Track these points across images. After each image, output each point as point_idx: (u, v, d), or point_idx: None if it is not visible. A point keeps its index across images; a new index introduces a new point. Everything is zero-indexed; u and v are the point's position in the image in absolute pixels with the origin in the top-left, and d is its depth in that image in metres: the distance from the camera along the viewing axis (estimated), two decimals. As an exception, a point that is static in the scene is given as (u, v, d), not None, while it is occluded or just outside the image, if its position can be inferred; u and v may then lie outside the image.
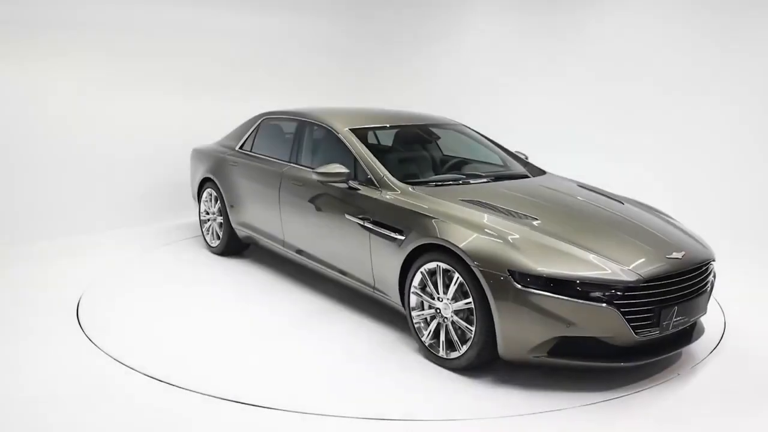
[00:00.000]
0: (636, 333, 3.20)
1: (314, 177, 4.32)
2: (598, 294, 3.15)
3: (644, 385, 3.41)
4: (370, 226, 4.00)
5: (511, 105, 8.10)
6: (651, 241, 3.54)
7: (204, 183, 5.96)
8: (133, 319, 4.27)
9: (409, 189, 4.02)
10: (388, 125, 4.91)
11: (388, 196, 4.01)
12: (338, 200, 4.31)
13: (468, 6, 8.38)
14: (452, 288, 3.48)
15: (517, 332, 3.24)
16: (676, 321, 3.33)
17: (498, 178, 4.46)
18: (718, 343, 4.00)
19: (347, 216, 4.17)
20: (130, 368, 3.54)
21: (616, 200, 4.19)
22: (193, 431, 2.96)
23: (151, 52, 6.89)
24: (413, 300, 3.73)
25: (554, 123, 7.82)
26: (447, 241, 3.46)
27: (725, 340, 4.04)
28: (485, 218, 3.59)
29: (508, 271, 3.22)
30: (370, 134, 4.76)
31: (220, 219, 5.75)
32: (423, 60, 8.76)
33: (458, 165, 4.84)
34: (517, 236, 3.40)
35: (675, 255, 3.41)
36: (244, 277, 5.25)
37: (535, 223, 3.56)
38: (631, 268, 3.24)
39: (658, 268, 3.30)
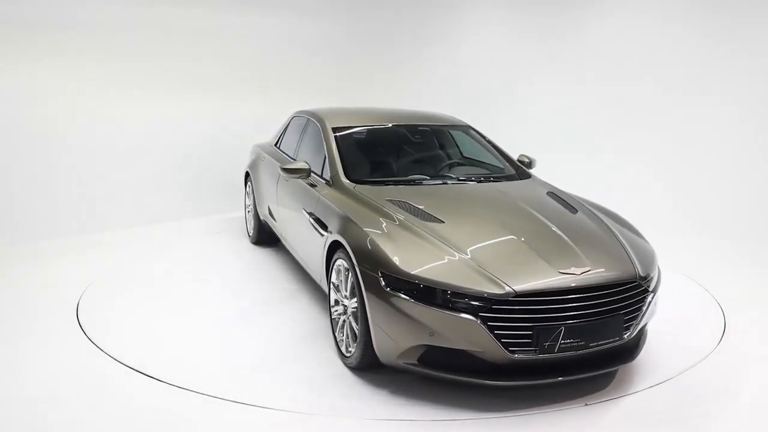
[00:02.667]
0: (509, 350, 2.96)
1: (280, 172, 4.49)
2: (462, 304, 2.96)
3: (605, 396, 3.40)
4: (312, 221, 4.14)
5: (512, 105, 8.11)
6: (557, 254, 3.23)
7: (247, 177, 6.38)
8: (133, 319, 4.27)
9: (351, 187, 4.05)
10: (378, 124, 4.92)
11: (326, 193, 4.12)
12: (301, 195, 4.52)
13: (469, 6, 8.39)
14: (348, 286, 3.49)
15: (388, 336, 3.14)
16: (565, 343, 2.99)
17: (465, 180, 4.37)
18: (718, 343, 4.00)
19: (303, 210, 4.36)
20: (130, 368, 3.54)
21: (570, 208, 3.94)
22: (193, 431, 2.96)
23: (152, 53, 6.89)
24: (332, 296, 3.79)
25: (554, 123, 7.83)
26: (343, 238, 3.51)
27: (725, 340, 4.04)
28: (388, 219, 3.53)
29: (380, 272, 3.15)
30: (358, 132, 4.77)
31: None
32: (425, 60, 8.77)
33: (438, 165, 4.76)
34: (404, 238, 3.31)
35: (572, 271, 3.10)
36: (252, 272, 5.29)
37: (437, 226, 3.43)
38: (505, 280, 3.00)
39: (539, 284, 3.01)
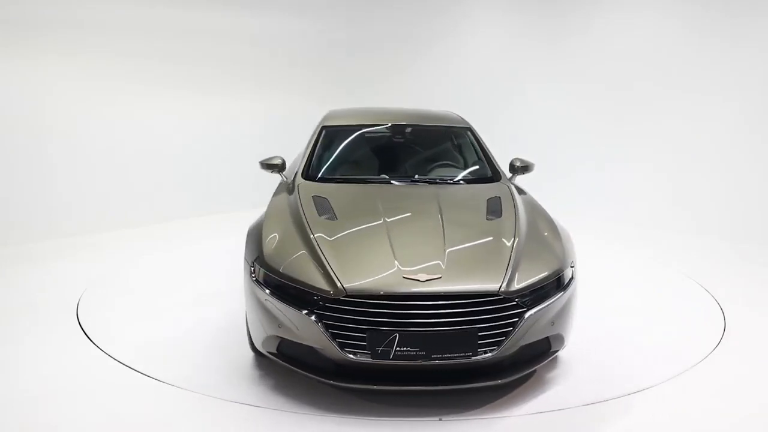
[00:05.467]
0: (343, 350, 2.94)
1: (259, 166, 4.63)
2: (300, 300, 3.04)
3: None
4: None
5: (519, 105, 8.13)
6: (417, 259, 3.13)
7: None
8: (133, 319, 4.27)
9: (298, 183, 4.19)
10: (370, 124, 4.92)
11: (283, 189, 4.24)
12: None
13: (474, 6, 8.40)
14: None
15: (253, 323, 3.30)
16: (401, 351, 2.90)
17: (417, 180, 4.29)
18: (718, 343, 4.00)
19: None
20: (130, 368, 3.54)
21: (496, 214, 3.69)
22: (192, 431, 2.96)
23: (152, 53, 6.89)
24: None
25: (557, 122, 7.84)
26: (249, 230, 3.69)
27: (725, 340, 4.04)
28: (291, 214, 3.67)
29: (252, 262, 3.35)
30: (345, 131, 4.84)
31: None
32: (430, 59, 8.81)
33: (404, 165, 4.70)
34: (287, 233, 3.44)
35: (418, 276, 3.00)
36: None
37: (327, 223, 3.51)
38: (343, 279, 3.00)
39: (373, 286, 2.96)
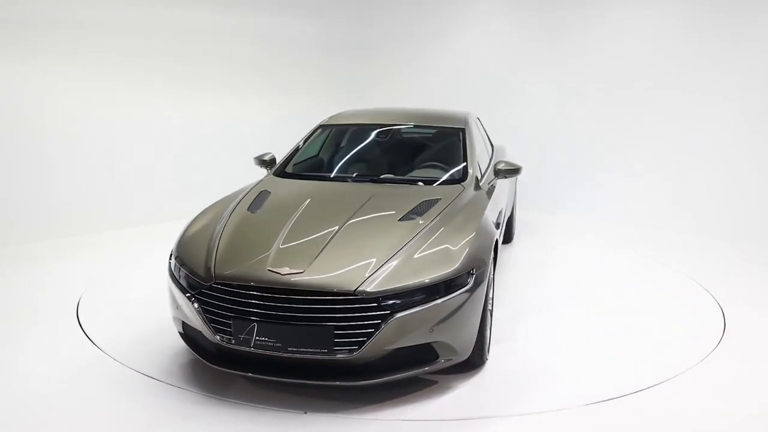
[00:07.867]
0: (215, 335, 3.10)
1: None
2: (188, 284, 3.26)
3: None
4: None
5: (522, 105, 8.12)
6: (294, 253, 3.21)
7: None
8: (134, 319, 4.27)
9: (266, 178, 4.42)
10: (363, 123, 5.02)
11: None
12: None
13: (475, 6, 8.40)
14: None
15: (171, 308, 3.50)
16: (260, 341, 3.00)
17: (374, 180, 4.30)
18: (718, 343, 4.00)
19: None
20: (131, 368, 3.54)
21: (415, 214, 3.61)
22: (193, 431, 2.96)
23: (153, 53, 6.88)
24: None
25: (558, 121, 7.84)
26: None
27: (725, 340, 4.04)
28: (226, 206, 3.85)
29: (171, 250, 3.56)
30: (338, 131, 5.03)
31: None
32: (431, 59, 8.79)
33: (374, 165, 4.68)
34: (209, 223, 3.66)
35: (280, 270, 3.06)
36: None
37: (248, 215, 3.69)
38: (218, 266, 3.18)
39: (237, 275, 3.09)
